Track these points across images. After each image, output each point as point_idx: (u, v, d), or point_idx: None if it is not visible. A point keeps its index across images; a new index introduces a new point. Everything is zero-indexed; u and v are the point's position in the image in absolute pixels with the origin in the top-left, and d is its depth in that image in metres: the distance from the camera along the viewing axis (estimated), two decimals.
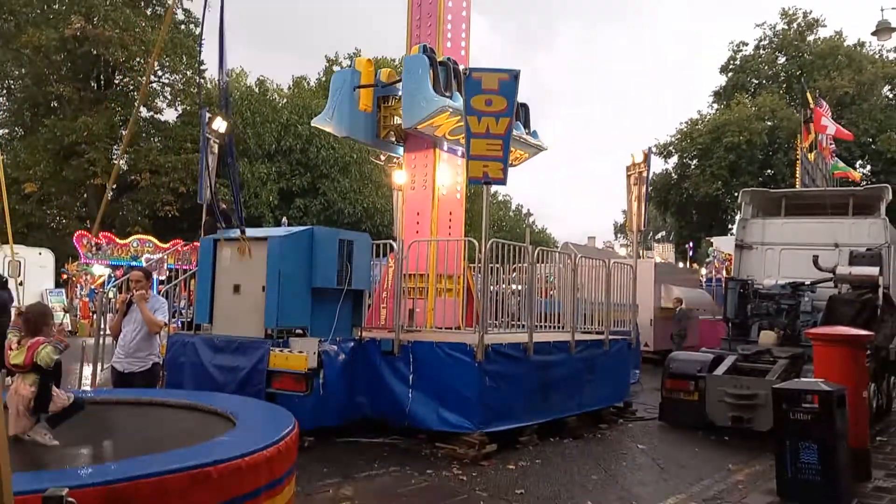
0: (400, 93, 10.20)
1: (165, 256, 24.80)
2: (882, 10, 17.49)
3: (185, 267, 22.24)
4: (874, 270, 9.85)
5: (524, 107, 11.33)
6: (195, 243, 18.69)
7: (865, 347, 7.46)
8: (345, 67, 10.49)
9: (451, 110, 9.58)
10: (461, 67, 10.24)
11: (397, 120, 10.46)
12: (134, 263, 25.89)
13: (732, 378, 9.07)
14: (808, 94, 20.33)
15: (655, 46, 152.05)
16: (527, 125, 11.32)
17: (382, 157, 11.58)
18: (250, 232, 8.49)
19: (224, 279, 8.22)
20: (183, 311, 12.46)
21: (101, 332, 10.75)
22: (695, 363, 9.73)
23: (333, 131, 10.60)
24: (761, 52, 40.89)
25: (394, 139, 10.82)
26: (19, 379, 4.46)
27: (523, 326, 8.75)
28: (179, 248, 24.71)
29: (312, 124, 11.06)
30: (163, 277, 22.54)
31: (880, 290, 9.76)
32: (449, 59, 10.24)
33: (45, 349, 4.41)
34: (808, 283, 10.68)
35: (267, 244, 7.82)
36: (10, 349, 4.55)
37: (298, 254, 7.80)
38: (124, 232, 29.82)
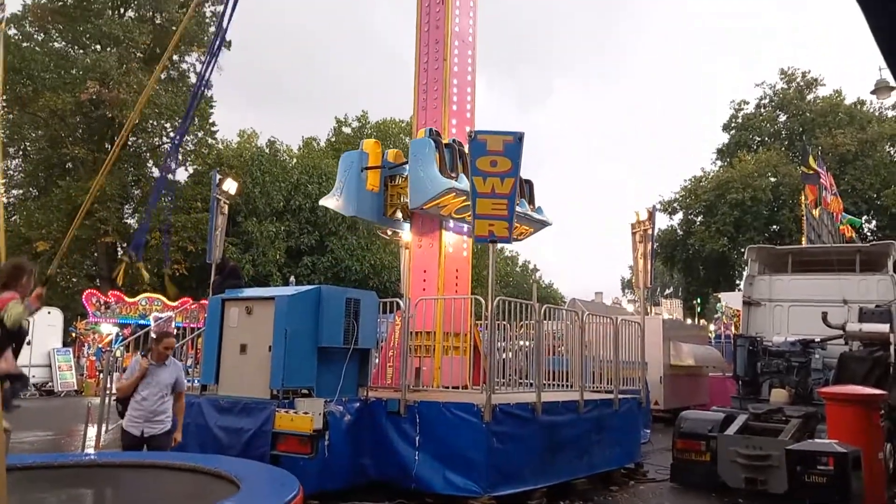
0: (406, 173, 10.36)
1: (174, 315, 24.80)
2: (880, 69, 17.77)
3: (192, 325, 22.21)
4: (885, 327, 9.76)
5: (528, 183, 11.39)
6: (203, 301, 18.74)
7: (879, 407, 7.34)
8: (352, 151, 10.66)
9: (456, 192, 9.71)
10: (467, 129, 10.42)
11: (404, 198, 10.58)
12: (142, 321, 25.91)
13: (745, 438, 8.88)
14: (811, 161, 20.46)
15: (654, 105, 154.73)
16: (531, 201, 11.37)
17: (389, 232, 11.69)
18: (257, 292, 8.50)
19: (231, 339, 8.21)
20: (190, 370, 12.40)
21: (107, 392, 10.68)
22: (706, 422, 9.55)
23: (341, 211, 10.76)
24: (762, 110, 41.50)
25: (400, 217, 10.93)
26: None
27: (531, 385, 8.65)
28: (188, 307, 24.74)
29: (320, 204, 11.21)
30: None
31: (892, 348, 9.65)
32: (454, 140, 10.41)
33: (16, 307, 4.09)
34: (817, 340, 10.58)
35: (274, 303, 7.82)
36: None
37: (305, 313, 7.80)
38: (133, 290, 29.92)
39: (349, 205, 10.47)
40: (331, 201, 10.82)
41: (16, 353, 4.54)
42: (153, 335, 7.35)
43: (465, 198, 9.75)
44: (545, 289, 60.36)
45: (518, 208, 10.75)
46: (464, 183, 9.68)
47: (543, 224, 11.68)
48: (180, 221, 31.29)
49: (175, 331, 22.00)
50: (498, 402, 7.53)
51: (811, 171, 20.39)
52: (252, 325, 8.00)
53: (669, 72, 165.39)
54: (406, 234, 11.10)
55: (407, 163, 10.39)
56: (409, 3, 11.61)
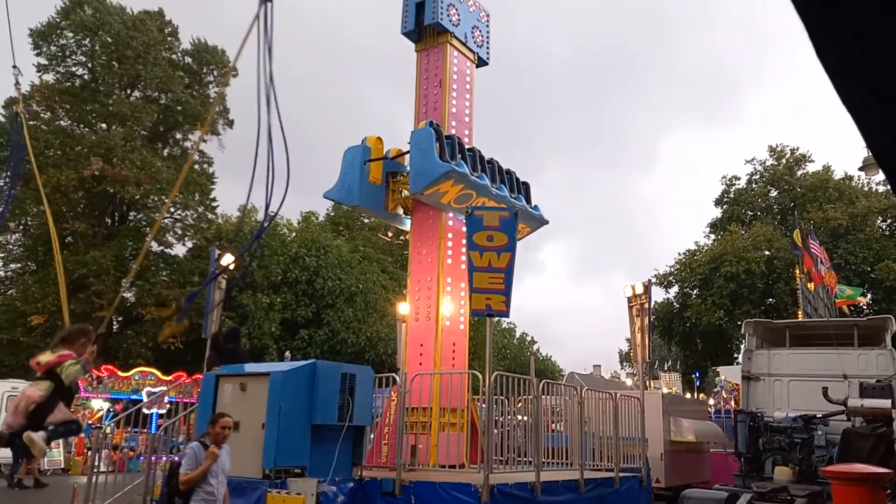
0: (408, 169, 10.61)
1: (167, 389, 24.43)
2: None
3: (186, 400, 21.87)
4: (886, 403, 9.62)
5: (525, 184, 11.70)
6: (197, 376, 18.49)
7: (885, 486, 7.16)
8: (355, 146, 10.94)
9: (455, 177, 9.84)
10: (464, 205, 10.58)
11: (405, 193, 10.85)
12: (134, 397, 25.49)
13: None
14: (796, 235, 20.67)
15: (646, 180, 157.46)
16: (528, 201, 11.58)
17: (390, 234, 11.86)
18: (251, 367, 8.39)
19: None
20: (181, 447, 12.10)
21: (95, 470, 10.39)
22: (710, 502, 9.29)
23: (344, 202, 11.02)
24: (754, 185, 42.17)
25: (402, 212, 11.17)
26: (33, 384, 4.55)
27: (530, 463, 8.44)
28: (182, 381, 24.41)
29: (324, 197, 11.31)
30: (163, 411, 22.09)
31: (894, 424, 9.48)
32: (454, 135, 10.68)
33: (73, 365, 4.50)
34: (819, 415, 10.41)
35: (269, 380, 7.70)
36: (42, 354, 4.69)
37: (300, 389, 7.67)
38: (127, 364, 29.56)
39: (352, 195, 10.61)
40: (334, 194, 10.96)
41: (67, 404, 4.87)
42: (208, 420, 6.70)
43: (462, 185, 9.85)
44: (543, 361, 59.79)
45: (514, 201, 10.96)
46: (463, 168, 9.81)
47: (541, 222, 11.79)
48: (175, 296, 31.19)
49: (168, 405, 21.61)
50: (496, 483, 7.33)
51: (798, 245, 20.58)
52: (246, 401, 7.85)
53: (658, 147, 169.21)
54: (406, 227, 11.26)
55: (408, 153, 10.54)
56: (408, 83, 11.96)
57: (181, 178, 13.02)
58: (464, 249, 9.32)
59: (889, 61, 0.90)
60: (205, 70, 36.72)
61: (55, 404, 4.59)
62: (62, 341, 4.75)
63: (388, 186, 11.03)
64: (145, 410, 20.64)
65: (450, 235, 10.82)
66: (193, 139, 36.07)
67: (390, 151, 11.11)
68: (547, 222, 11.99)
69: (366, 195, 10.61)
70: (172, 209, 34.74)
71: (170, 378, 26.43)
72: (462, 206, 10.18)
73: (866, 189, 39.15)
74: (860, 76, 0.94)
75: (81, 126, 34.13)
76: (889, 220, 38.30)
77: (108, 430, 15.36)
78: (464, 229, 10.85)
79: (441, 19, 11.16)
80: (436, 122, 10.59)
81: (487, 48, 12.26)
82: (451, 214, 10.80)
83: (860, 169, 18.84)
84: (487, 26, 12.36)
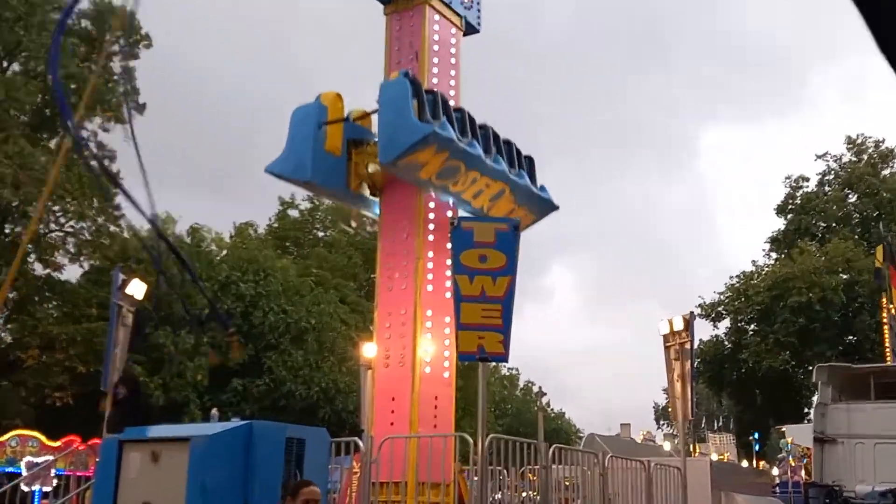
0: (375, 139, 10.56)
1: (54, 459, 24.12)
2: None
3: (79, 473, 21.59)
4: None
5: (528, 158, 11.71)
6: (94, 441, 18.30)
7: None
8: (307, 104, 10.82)
9: (438, 143, 9.76)
10: (448, 214, 10.60)
11: (372, 168, 10.80)
12: (10, 469, 25.11)
13: None
14: (878, 253, 20.97)
15: (685, 186, 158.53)
16: (532, 179, 11.59)
17: (354, 224, 11.84)
18: (167, 430, 8.34)
19: (129, 495, 7.96)
20: None
21: None
22: None
23: (292, 175, 10.79)
24: (826, 188, 42.64)
25: (367, 192, 11.08)
26: None
27: None
28: (74, 448, 24.13)
29: (266, 171, 11.06)
30: (48, 488, 21.78)
31: None
32: (436, 90, 10.66)
33: None
34: None
35: (189, 447, 7.64)
36: None
37: (231, 459, 7.62)
38: (0, 426, 29.18)
39: (303, 169, 10.47)
40: (278, 167, 10.79)
41: None
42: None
43: (447, 153, 9.79)
44: (553, 419, 59.84)
45: (515, 178, 10.91)
46: (448, 130, 9.74)
47: (548, 206, 11.78)
48: (67, 333, 30.88)
49: (56, 479, 21.30)
50: None
51: (880, 266, 20.86)
52: (159, 476, 7.79)
53: (696, 140, 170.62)
54: (374, 213, 11.21)
55: (376, 112, 10.49)
56: (376, 56, 12.02)
57: (53, 173, 12.84)
58: (449, 263, 9.33)
59: None
60: (108, 37, 36.63)
61: None
62: None
63: (351, 159, 10.97)
64: (25, 487, 20.36)
65: (431, 227, 10.83)
66: (92, 128, 35.86)
67: (352, 113, 11.05)
68: (557, 207, 12.00)
69: (321, 169, 10.51)
70: (63, 220, 34.43)
71: (58, 444, 26.10)
72: (446, 181, 10.18)
73: None
74: None
75: None
76: None
77: None
78: (449, 214, 10.86)
79: None
80: (412, 73, 10.57)
81: (478, 11, 12.36)
82: (432, 195, 10.80)
83: None
84: None
